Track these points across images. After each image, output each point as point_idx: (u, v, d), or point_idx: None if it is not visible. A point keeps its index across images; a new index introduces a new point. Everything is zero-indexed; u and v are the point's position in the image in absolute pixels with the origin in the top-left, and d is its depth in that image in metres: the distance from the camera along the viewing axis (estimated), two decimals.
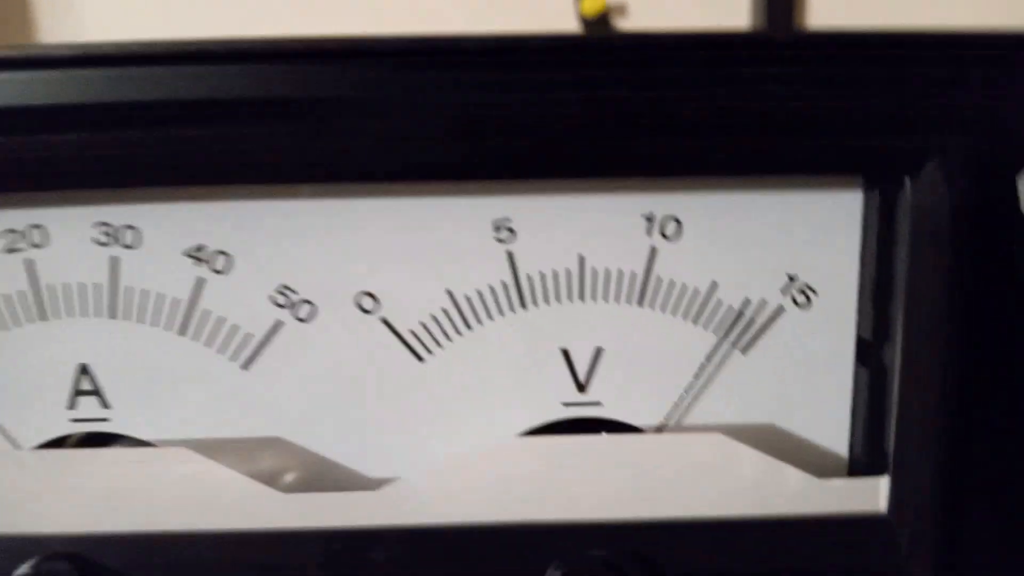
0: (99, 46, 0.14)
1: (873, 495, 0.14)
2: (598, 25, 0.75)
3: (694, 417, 0.15)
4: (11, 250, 0.14)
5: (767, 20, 0.73)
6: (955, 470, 0.13)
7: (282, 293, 0.15)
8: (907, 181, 0.13)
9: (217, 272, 0.14)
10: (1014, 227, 0.13)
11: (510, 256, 0.15)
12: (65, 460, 0.14)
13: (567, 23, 0.75)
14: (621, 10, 0.77)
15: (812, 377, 0.15)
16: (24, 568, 0.14)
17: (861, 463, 0.15)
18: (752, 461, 0.14)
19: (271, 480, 0.15)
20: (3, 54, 0.13)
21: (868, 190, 0.14)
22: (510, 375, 0.15)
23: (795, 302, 0.15)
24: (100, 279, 0.14)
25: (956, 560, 0.14)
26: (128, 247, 0.14)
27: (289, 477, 0.15)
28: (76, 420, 0.15)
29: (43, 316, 0.15)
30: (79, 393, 0.15)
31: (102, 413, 0.15)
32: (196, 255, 0.14)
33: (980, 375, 0.13)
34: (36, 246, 0.14)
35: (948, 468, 0.13)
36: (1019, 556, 0.14)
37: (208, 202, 0.14)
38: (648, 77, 0.13)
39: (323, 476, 0.15)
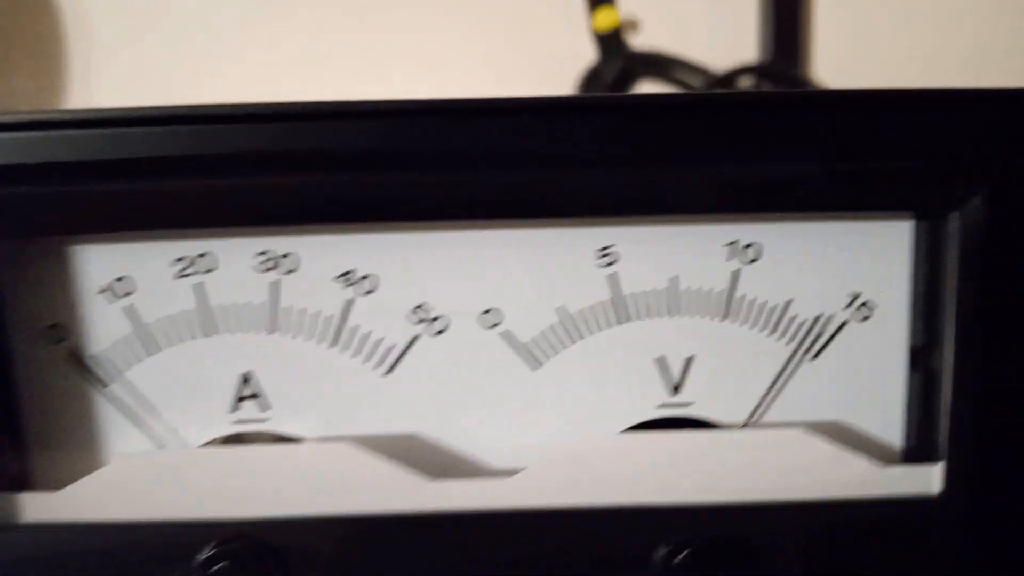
0: (266, 105, 0.16)
1: (927, 480, 0.17)
2: (610, 40, 0.78)
3: (771, 416, 0.17)
4: (183, 275, 0.17)
5: (775, 33, 0.76)
6: (1000, 455, 0.16)
7: (418, 311, 0.17)
8: (954, 215, 0.16)
9: (364, 293, 0.17)
10: None
11: (612, 278, 0.17)
12: (240, 454, 0.16)
13: (580, 37, 0.78)
14: (633, 26, 0.80)
15: (871, 380, 0.17)
16: (207, 550, 0.16)
17: (913, 453, 0.17)
18: (825, 452, 0.16)
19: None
20: (186, 110, 0.15)
21: (918, 221, 0.17)
22: (612, 381, 0.17)
23: (857, 316, 0.17)
24: (262, 300, 0.17)
25: (1003, 535, 0.16)
26: (287, 272, 0.17)
27: (424, 468, 0.17)
28: (237, 422, 0.17)
29: (210, 332, 0.17)
30: (241, 398, 0.17)
31: (261, 415, 0.17)
32: (346, 279, 0.17)
33: (1020, 374, 0.16)
34: (206, 271, 0.17)
35: (994, 454, 0.16)
36: None
37: (356, 233, 0.16)
38: (733, 131, 0.16)
39: (451, 467, 0.17)
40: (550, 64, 0.80)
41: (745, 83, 0.84)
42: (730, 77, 0.83)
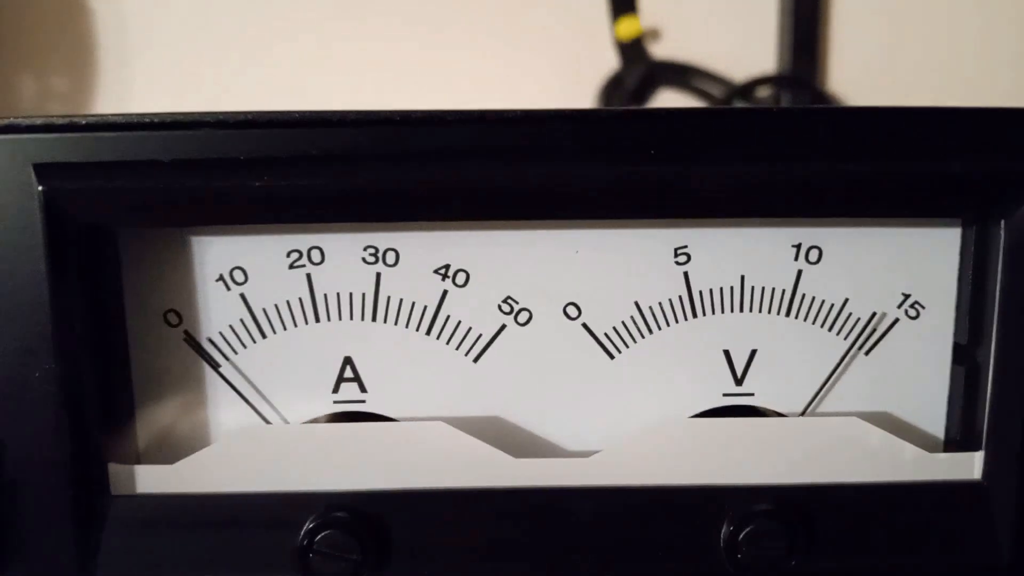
0: (387, 112, 0.17)
1: (970, 466, 0.18)
2: (632, 48, 0.80)
3: (825, 406, 0.19)
4: (293, 267, 0.18)
5: (793, 44, 0.78)
6: None
7: (506, 302, 0.18)
8: (1002, 223, 0.17)
9: (457, 285, 0.18)
10: None
11: (686, 275, 0.18)
12: (342, 432, 0.18)
13: (604, 46, 0.80)
14: (655, 35, 0.81)
15: (918, 374, 0.19)
16: (311, 521, 0.17)
17: (954, 441, 0.19)
18: (877, 439, 0.18)
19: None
20: (303, 116, 0.17)
21: (966, 228, 0.18)
22: (682, 370, 0.19)
23: (907, 315, 0.19)
24: (366, 290, 0.18)
25: None
26: (389, 265, 0.18)
27: (508, 447, 0.18)
28: (338, 402, 0.18)
29: (317, 319, 0.18)
30: (342, 380, 0.18)
31: (359, 396, 0.18)
32: (442, 272, 0.18)
33: None
34: (314, 264, 0.18)
35: None
36: None
37: (453, 231, 0.18)
38: (801, 143, 0.17)
39: (533, 447, 0.19)
40: (574, 71, 0.82)
41: (764, 92, 0.85)
42: (749, 87, 0.85)
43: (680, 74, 0.86)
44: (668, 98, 0.87)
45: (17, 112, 0.85)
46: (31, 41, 0.81)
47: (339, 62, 0.83)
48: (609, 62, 0.86)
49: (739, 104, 0.81)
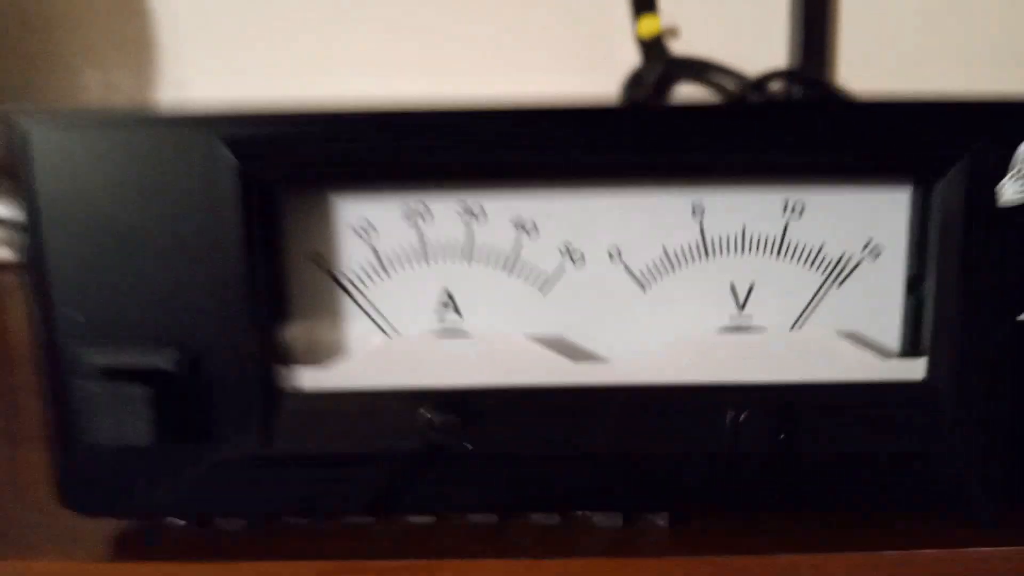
0: (490, 109, 0.23)
1: (918, 369, 0.24)
2: (652, 45, 0.86)
3: (807, 326, 0.25)
4: (408, 219, 0.24)
5: (803, 40, 0.83)
6: (967, 353, 0.23)
7: (565, 247, 0.24)
8: (939, 183, 0.23)
9: (528, 233, 0.24)
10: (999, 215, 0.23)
11: (701, 226, 0.24)
12: (445, 342, 0.24)
13: (626, 42, 0.86)
14: (673, 33, 0.87)
15: (878, 301, 0.25)
16: (424, 410, 0.23)
17: (906, 352, 0.25)
18: (846, 348, 0.24)
19: None
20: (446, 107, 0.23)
21: (914, 188, 0.24)
22: (698, 299, 0.25)
23: (870, 256, 0.24)
24: (461, 238, 0.24)
25: (971, 413, 0.23)
26: (477, 218, 0.24)
27: (568, 356, 0.24)
28: (440, 322, 0.25)
29: (425, 261, 0.24)
30: (444, 307, 0.25)
31: (456, 320, 0.25)
32: (518, 224, 0.24)
33: (984, 297, 0.23)
34: (422, 219, 0.24)
35: (964, 352, 0.23)
36: None
37: (525, 190, 0.24)
38: (788, 132, 0.23)
39: (587, 357, 0.25)
40: (599, 66, 0.89)
41: (776, 86, 0.92)
42: (762, 81, 0.91)
43: (697, 70, 0.92)
44: (686, 91, 0.94)
45: (82, 102, 0.92)
46: (95, 40, 0.89)
47: (372, 53, 0.90)
48: (631, 58, 0.93)
49: (753, 97, 0.87)
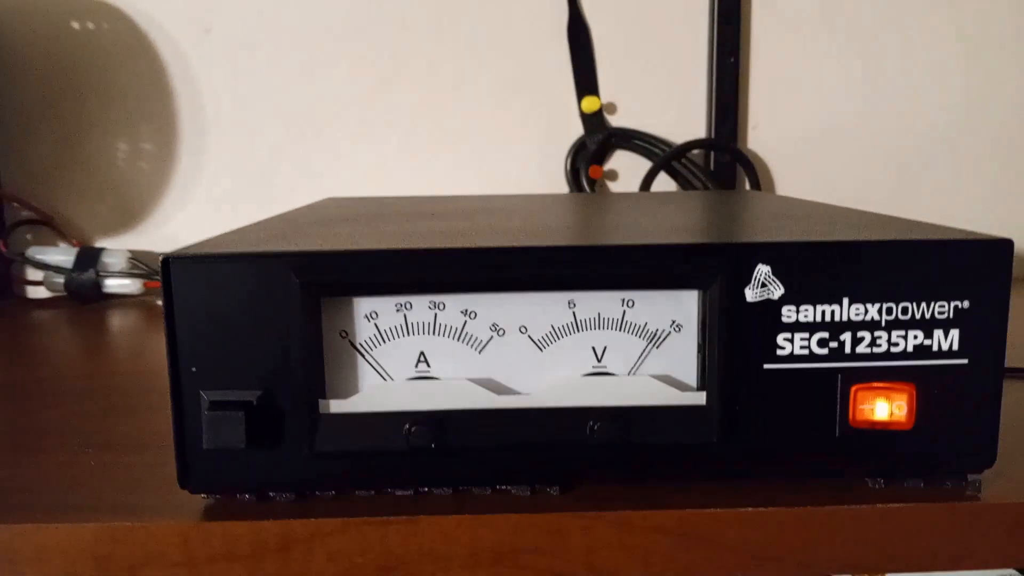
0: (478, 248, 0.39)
1: (700, 398, 0.40)
2: (593, 119, 1.05)
3: (639, 371, 0.41)
4: (398, 310, 0.39)
5: (719, 115, 1.03)
6: (733, 392, 0.39)
7: (494, 325, 0.40)
8: (708, 291, 0.39)
9: (470, 318, 0.40)
10: (746, 307, 0.39)
11: (574, 314, 0.40)
12: (422, 383, 0.39)
13: (571, 118, 1.05)
14: (612, 108, 1.06)
15: (681, 357, 0.40)
16: (407, 425, 0.39)
17: (698, 388, 0.41)
18: (663, 386, 0.40)
19: None
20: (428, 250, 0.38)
21: (700, 292, 0.40)
22: (573, 355, 0.41)
23: (675, 330, 0.40)
24: (430, 320, 0.40)
25: (732, 425, 0.39)
26: (439, 308, 0.40)
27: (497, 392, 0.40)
28: (416, 372, 0.40)
29: (408, 334, 0.40)
30: (419, 362, 0.40)
31: (427, 370, 0.40)
32: (465, 312, 0.40)
33: (738, 354, 0.39)
34: (407, 308, 0.40)
35: (729, 391, 0.39)
36: None
37: (471, 293, 0.39)
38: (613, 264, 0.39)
39: (509, 392, 0.40)
40: (550, 136, 1.08)
41: (696, 152, 1.12)
42: (684, 148, 1.12)
43: (632, 138, 1.12)
44: (622, 156, 1.14)
45: (114, 167, 1.08)
46: (126, 114, 1.06)
47: (361, 152, 1.09)
48: (576, 130, 1.14)
49: (676, 164, 1.06)
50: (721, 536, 0.39)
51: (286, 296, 0.38)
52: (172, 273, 0.38)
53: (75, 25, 0.93)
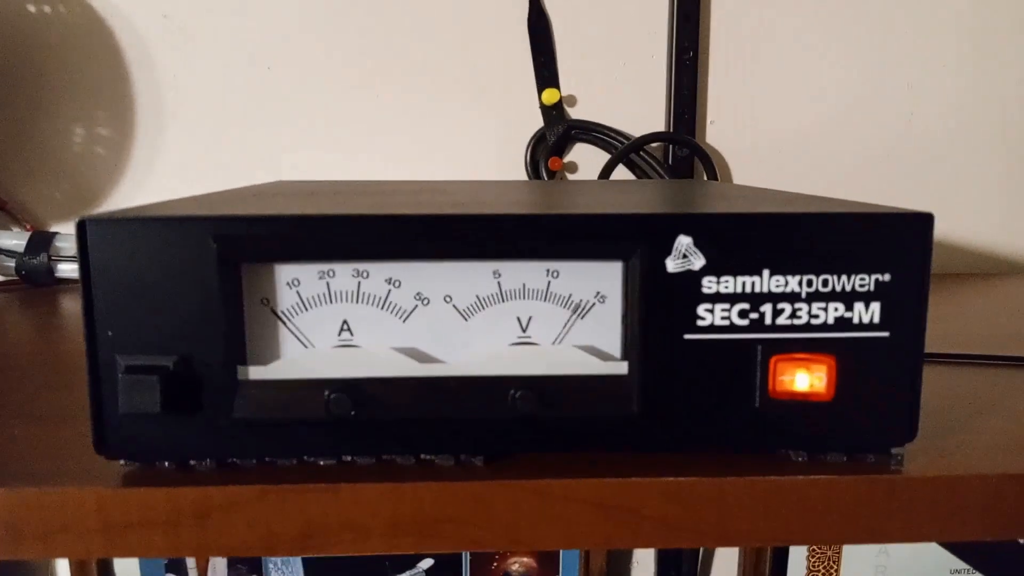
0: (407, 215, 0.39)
1: (623, 367, 0.40)
2: (553, 111, 1.06)
3: (565, 340, 0.41)
4: (321, 278, 0.39)
5: (677, 109, 1.04)
6: (654, 364, 0.39)
7: (418, 294, 0.40)
8: (631, 260, 0.39)
9: (394, 286, 0.40)
10: (668, 277, 0.39)
11: (499, 284, 0.40)
12: (344, 351, 0.39)
13: (532, 110, 1.06)
14: (571, 101, 1.07)
15: (605, 329, 0.41)
16: (327, 392, 0.39)
17: (622, 358, 0.41)
18: (586, 355, 0.40)
19: None
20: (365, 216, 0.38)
21: (623, 262, 0.40)
22: (498, 325, 0.40)
23: (599, 301, 0.40)
24: (353, 289, 0.39)
25: (652, 394, 0.40)
26: (363, 276, 0.39)
27: (421, 361, 0.40)
28: (339, 340, 0.40)
29: (330, 302, 0.39)
30: (342, 330, 0.40)
31: (349, 338, 0.40)
32: (389, 280, 0.40)
33: (659, 325, 0.39)
34: (329, 276, 0.39)
35: (651, 362, 0.40)
36: None
37: (394, 261, 0.39)
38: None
39: (433, 360, 0.40)
40: (510, 128, 1.09)
41: (655, 145, 1.12)
42: (643, 141, 1.12)
43: (591, 131, 1.13)
44: (582, 148, 1.14)
45: (70, 152, 1.07)
46: (82, 100, 1.04)
47: (319, 141, 1.09)
48: (536, 122, 1.14)
49: (635, 156, 1.07)
50: (642, 506, 0.39)
51: (204, 261, 0.38)
52: (88, 236, 0.37)
53: (31, 8, 0.92)
